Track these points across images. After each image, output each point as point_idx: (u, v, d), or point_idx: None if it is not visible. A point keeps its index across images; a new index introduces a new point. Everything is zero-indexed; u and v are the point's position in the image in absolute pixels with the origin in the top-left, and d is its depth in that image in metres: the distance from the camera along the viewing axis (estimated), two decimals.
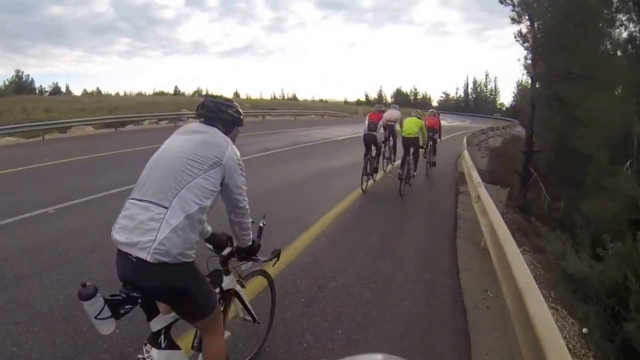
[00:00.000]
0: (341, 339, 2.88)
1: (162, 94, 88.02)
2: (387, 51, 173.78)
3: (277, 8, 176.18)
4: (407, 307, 3.40)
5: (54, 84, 74.87)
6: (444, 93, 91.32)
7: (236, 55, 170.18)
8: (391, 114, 8.75)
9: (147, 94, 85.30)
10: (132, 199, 1.66)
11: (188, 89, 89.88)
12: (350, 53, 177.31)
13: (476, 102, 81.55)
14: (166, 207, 1.58)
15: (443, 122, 13.86)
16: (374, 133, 7.60)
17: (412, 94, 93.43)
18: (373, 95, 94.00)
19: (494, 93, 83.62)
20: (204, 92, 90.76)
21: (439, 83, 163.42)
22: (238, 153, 1.84)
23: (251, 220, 2.03)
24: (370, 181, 7.87)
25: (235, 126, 1.95)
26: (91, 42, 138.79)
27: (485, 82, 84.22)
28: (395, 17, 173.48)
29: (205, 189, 1.67)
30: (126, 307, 1.59)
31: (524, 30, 14.12)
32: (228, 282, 2.14)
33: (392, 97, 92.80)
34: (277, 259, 2.28)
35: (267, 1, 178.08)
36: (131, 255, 1.55)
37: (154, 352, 1.74)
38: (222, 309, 2.06)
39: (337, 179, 8.49)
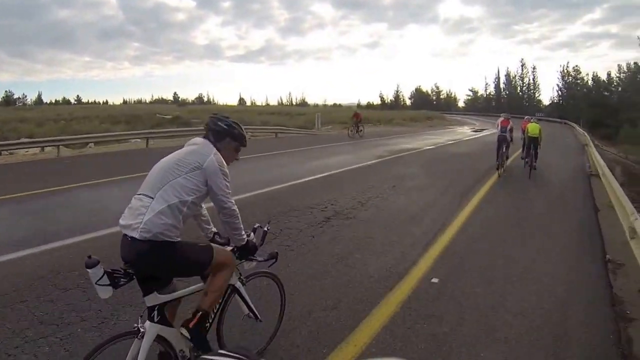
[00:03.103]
0: None
1: (162, 101, 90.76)
2: (409, 51, 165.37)
3: (294, 9, 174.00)
4: None
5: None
6: (470, 90, 78.38)
7: (251, 59, 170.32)
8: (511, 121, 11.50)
9: (147, 102, 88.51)
10: (136, 194, 2.15)
11: (190, 95, 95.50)
12: (370, 54, 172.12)
13: (510, 100, 67.44)
14: (152, 198, 2.06)
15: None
16: (506, 134, 10.77)
17: (434, 93, 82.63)
18: (389, 97, 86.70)
19: (532, 88, 69.48)
20: (205, 99, 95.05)
21: (467, 82, 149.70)
22: (222, 160, 2.22)
23: (257, 225, 2.58)
24: (501, 170, 10.73)
25: (226, 137, 2.31)
26: (100, 46, 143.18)
27: (522, 74, 70.17)
28: (418, 15, 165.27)
29: (186, 187, 2.10)
30: (122, 280, 2.01)
31: None
32: None
33: (410, 98, 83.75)
34: (274, 260, 2.60)
35: (283, 2, 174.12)
36: (127, 236, 2.02)
37: (147, 324, 2.09)
38: (221, 300, 2.42)
39: None
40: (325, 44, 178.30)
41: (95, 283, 1.92)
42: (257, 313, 2.61)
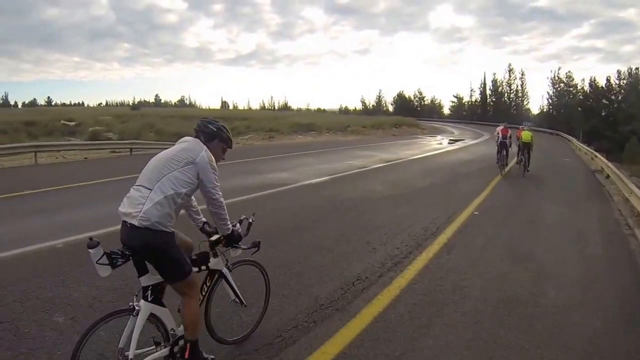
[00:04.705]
0: None
1: (144, 103, 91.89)
2: (400, 58, 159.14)
3: (285, 13, 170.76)
4: None
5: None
6: (455, 97, 71.68)
7: (241, 63, 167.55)
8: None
9: (129, 104, 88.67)
10: (134, 185, 2.33)
11: (174, 98, 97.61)
12: (360, 60, 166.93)
13: (497, 107, 61.11)
14: (150, 189, 2.25)
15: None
16: (506, 141, 12.63)
17: (417, 99, 76.34)
18: (371, 102, 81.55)
19: (520, 95, 62.72)
20: (187, 102, 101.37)
21: (456, 90, 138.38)
22: (212, 157, 2.42)
23: (243, 216, 2.74)
24: (504, 171, 12.61)
25: (215, 139, 2.53)
26: (89, 47, 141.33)
27: (509, 79, 62.95)
28: (409, 23, 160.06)
29: (181, 180, 2.30)
30: (120, 260, 2.19)
31: None
32: (215, 263, 2.65)
33: (392, 103, 78.07)
34: (257, 249, 2.77)
35: (274, 6, 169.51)
36: (127, 222, 2.21)
37: (142, 302, 2.26)
38: (209, 284, 2.66)
39: None
40: (316, 49, 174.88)
41: (96, 262, 2.12)
42: (242, 299, 2.83)
